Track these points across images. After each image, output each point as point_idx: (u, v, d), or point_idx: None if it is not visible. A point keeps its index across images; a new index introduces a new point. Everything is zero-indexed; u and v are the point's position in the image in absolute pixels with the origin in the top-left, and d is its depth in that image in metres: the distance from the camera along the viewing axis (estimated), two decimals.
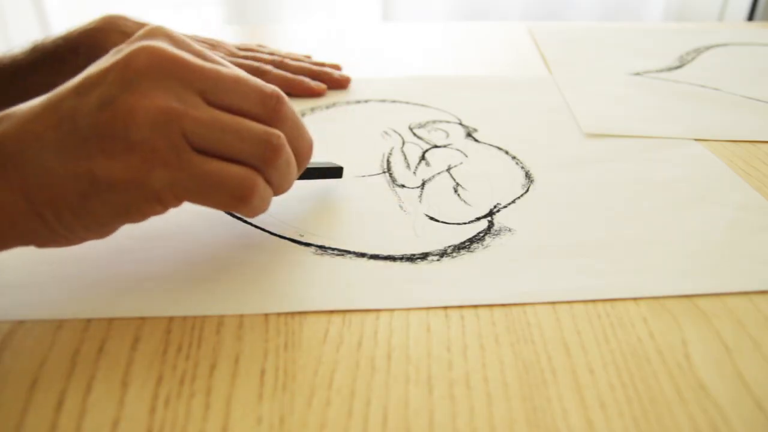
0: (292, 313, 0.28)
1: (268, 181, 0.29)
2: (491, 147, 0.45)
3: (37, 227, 0.26)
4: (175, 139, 0.25)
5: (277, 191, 0.30)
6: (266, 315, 0.28)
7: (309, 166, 0.34)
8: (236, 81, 0.28)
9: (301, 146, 0.31)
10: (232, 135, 0.27)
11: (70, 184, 0.25)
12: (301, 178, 0.34)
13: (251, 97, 0.28)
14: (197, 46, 0.29)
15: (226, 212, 0.35)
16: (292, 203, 0.37)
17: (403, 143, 0.45)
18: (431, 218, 0.36)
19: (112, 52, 0.28)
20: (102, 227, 0.27)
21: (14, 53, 0.52)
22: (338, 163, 0.40)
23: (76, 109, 0.25)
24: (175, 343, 0.27)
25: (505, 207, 0.37)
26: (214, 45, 0.57)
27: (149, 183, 0.25)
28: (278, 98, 0.29)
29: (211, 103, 0.27)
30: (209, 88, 0.27)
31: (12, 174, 0.25)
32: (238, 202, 0.27)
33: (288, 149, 0.29)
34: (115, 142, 0.25)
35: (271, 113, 0.28)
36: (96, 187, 0.25)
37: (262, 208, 0.29)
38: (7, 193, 0.25)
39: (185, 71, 0.26)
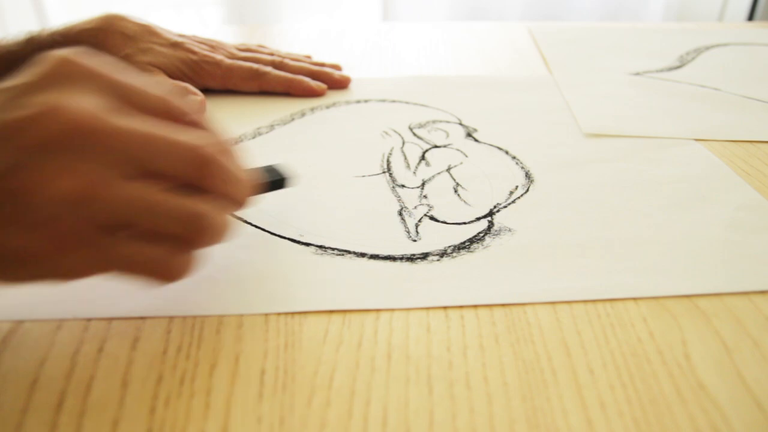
0: (292, 313, 0.28)
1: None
2: (491, 147, 0.45)
3: None
4: (84, 223, 0.23)
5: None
6: (266, 315, 0.28)
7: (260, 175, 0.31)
8: (163, 142, 0.24)
9: (234, 194, 0.27)
10: (150, 214, 0.24)
11: None
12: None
13: (176, 159, 0.24)
14: (110, 66, 0.25)
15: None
16: (292, 203, 0.37)
17: (403, 143, 0.45)
18: (431, 218, 0.36)
19: (21, 76, 0.24)
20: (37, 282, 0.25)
21: (7, 43, 0.51)
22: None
23: None
24: (175, 343, 0.27)
25: (505, 207, 0.37)
26: (213, 46, 0.57)
27: (62, 264, 0.24)
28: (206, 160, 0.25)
29: (135, 166, 0.24)
30: (134, 153, 0.23)
31: None
32: (162, 282, 0.25)
33: (212, 224, 0.25)
34: (18, 215, 0.22)
35: (199, 174, 0.25)
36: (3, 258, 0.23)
37: (186, 275, 0.26)
38: None
39: (101, 137, 0.23)
